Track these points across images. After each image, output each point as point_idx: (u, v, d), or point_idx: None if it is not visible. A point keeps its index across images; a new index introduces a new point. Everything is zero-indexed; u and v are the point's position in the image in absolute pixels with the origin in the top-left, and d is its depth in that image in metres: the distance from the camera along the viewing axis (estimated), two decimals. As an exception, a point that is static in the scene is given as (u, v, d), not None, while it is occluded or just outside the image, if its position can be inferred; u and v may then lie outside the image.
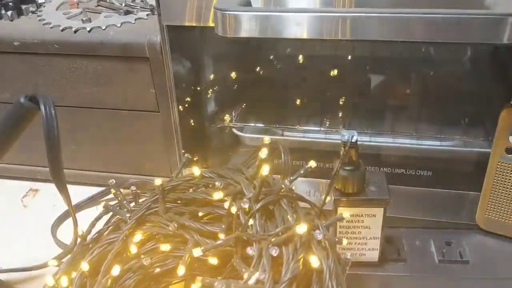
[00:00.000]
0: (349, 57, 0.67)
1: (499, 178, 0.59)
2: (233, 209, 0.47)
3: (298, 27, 0.51)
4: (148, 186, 0.77)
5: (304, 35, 0.51)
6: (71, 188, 0.75)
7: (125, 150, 0.76)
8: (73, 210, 0.52)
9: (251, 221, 0.46)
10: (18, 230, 0.74)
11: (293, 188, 0.51)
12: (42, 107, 0.46)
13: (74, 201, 0.74)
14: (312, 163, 0.51)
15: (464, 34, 0.48)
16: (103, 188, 0.78)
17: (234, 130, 0.72)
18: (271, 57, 0.71)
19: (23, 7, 0.72)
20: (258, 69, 0.71)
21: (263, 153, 0.47)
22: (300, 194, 0.49)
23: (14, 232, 0.74)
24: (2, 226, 0.76)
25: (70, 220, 0.56)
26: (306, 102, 0.71)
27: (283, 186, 0.46)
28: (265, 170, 0.45)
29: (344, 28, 0.50)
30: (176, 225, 0.51)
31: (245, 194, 0.48)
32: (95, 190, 0.79)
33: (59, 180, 0.50)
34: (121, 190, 0.78)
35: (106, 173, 0.79)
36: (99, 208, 0.76)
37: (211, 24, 0.56)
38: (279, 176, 0.55)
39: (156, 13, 0.60)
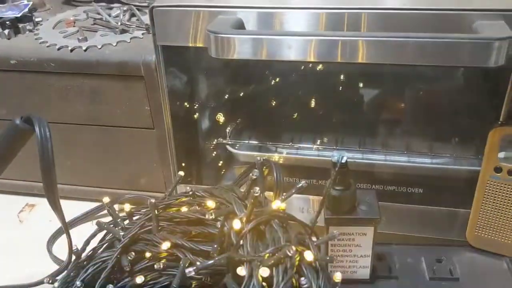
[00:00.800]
0: (341, 75, 0.68)
1: (488, 197, 0.60)
2: (225, 229, 0.48)
3: (289, 50, 0.52)
4: (142, 201, 0.78)
5: (296, 58, 0.52)
6: (66, 204, 0.76)
7: (120, 166, 0.77)
8: (67, 230, 0.53)
9: (242, 241, 0.47)
10: (14, 246, 0.75)
11: (285, 206, 0.52)
12: (37, 129, 0.47)
13: (69, 217, 0.75)
14: (303, 183, 0.51)
15: (452, 58, 0.49)
16: (98, 204, 0.79)
17: (228, 147, 0.73)
18: (265, 74, 0.72)
19: (20, 25, 0.73)
20: (251, 86, 0.72)
21: (255, 173, 0.48)
22: (291, 214, 0.49)
23: (9, 248, 0.75)
24: (-2, 242, 0.76)
25: (65, 236, 0.57)
26: (299, 119, 0.72)
27: (274, 207, 0.47)
28: (256, 191, 0.46)
29: (334, 51, 0.51)
30: (169, 244, 0.51)
31: (237, 214, 0.49)
32: (90, 205, 0.79)
33: (53, 199, 0.51)
34: (116, 206, 0.79)
35: (101, 189, 0.80)
36: (94, 223, 0.78)
37: (205, 44, 0.57)
38: (272, 193, 0.56)
39: (151, 32, 0.61)
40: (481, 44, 0.48)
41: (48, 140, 0.46)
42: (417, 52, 0.50)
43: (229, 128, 0.74)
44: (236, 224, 0.47)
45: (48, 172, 0.48)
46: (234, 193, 0.53)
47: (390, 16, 0.54)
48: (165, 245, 0.51)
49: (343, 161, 0.49)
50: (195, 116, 0.69)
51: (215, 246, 0.48)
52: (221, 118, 0.74)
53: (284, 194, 0.51)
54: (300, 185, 0.51)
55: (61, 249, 0.70)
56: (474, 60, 0.49)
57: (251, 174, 0.49)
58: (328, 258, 0.48)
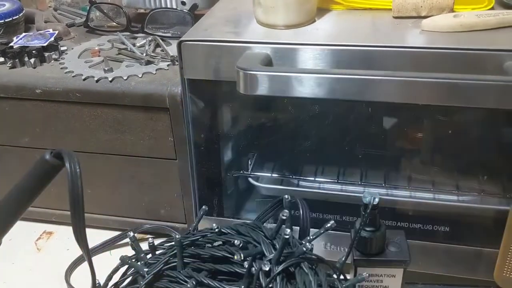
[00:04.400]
0: (367, 108, 0.68)
1: (518, 238, 0.58)
2: (253, 270, 0.47)
3: (318, 89, 0.52)
4: (163, 231, 0.78)
5: (324, 96, 0.52)
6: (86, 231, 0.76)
7: (141, 196, 0.76)
8: (92, 267, 0.52)
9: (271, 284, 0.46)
10: (31, 275, 0.74)
11: (313, 246, 0.51)
12: (67, 164, 0.47)
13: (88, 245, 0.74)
14: (332, 223, 0.51)
15: (482, 100, 0.49)
16: (117, 233, 0.78)
17: (250, 179, 0.73)
18: (288, 108, 0.72)
19: (46, 54, 0.74)
20: (275, 119, 0.72)
21: (284, 214, 0.48)
22: (321, 257, 0.49)
23: (27, 276, 0.74)
24: (15, 270, 0.76)
25: (84, 265, 0.56)
26: (322, 152, 0.71)
27: (304, 249, 0.46)
28: (287, 233, 0.45)
29: (363, 90, 0.51)
30: (194, 282, 0.50)
31: (266, 255, 0.48)
32: (110, 233, 0.79)
33: (80, 235, 0.50)
34: (137, 236, 0.78)
35: (121, 218, 0.80)
36: (113, 253, 0.78)
37: (231, 79, 0.57)
38: (297, 227, 0.55)
39: (176, 64, 0.61)
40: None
41: (78, 176, 0.46)
42: (447, 93, 0.50)
43: (251, 160, 0.74)
44: (265, 266, 0.46)
45: (78, 208, 0.48)
46: (261, 231, 0.52)
47: (418, 55, 0.54)
48: (191, 283, 0.50)
49: (375, 202, 0.48)
50: (218, 147, 0.69)
51: (242, 287, 0.48)
52: (243, 150, 0.73)
53: (312, 235, 0.50)
54: (329, 225, 0.50)
55: (79, 278, 0.69)
56: (505, 102, 0.49)
57: (281, 215, 0.48)
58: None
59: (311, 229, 0.57)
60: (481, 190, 0.66)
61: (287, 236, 0.45)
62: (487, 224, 0.65)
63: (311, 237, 0.50)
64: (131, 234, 0.58)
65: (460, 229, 0.66)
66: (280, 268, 0.46)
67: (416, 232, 0.66)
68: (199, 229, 0.61)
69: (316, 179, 0.71)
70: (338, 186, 0.70)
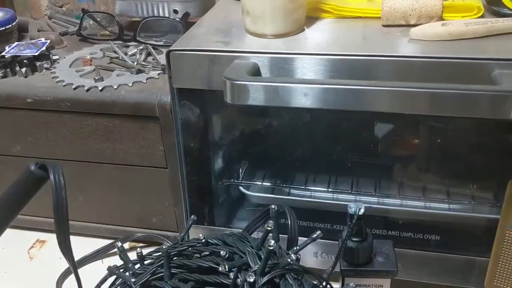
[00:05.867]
0: (357, 117, 0.68)
1: (508, 247, 0.58)
2: (238, 281, 0.47)
3: (305, 98, 0.52)
4: (154, 240, 0.78)
5: (311, 106, 0.52)
6: (77, 240, 0.75)
7: (132, 204, 0.76)
8: (78, 277, 0.52)
9: (256, 295, 0.46)
10: (23, 284, 0.74)
11: (299, 257, 0.51)
12: (52, 176, 0.47)
13: (80, 253, 0.74)
14: (319, 233, 0.50)
15: (470, 109, 0.48)
16: (109, 242, 0.78)
17: (241, 188, 0.73)
18: (279, 116, 0.72)
19: (38, 63, 0.74)
20: (265, 128, 0.72)
21: (270, 225, 0.47)
22: (306, 268, 0.48)
23: (19, 285, 0.74)
24: (8, 279, 0.76)
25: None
26: (313, 161, 0.71)
27: (289, 260, 0.46)
28: (271, 244, 0.45)
29: (349, 100, 0.51)
30: (181, 293, 0.50)
31: (251, 266, 0.48)
32: (101, 242, 0.79)
33: (65, 245, 0.50)
34: (127, 244, 0.78)
35: (113, 226, 0.80)
36: (105, 261, 0.77)
37: (220, 88, 0.57)
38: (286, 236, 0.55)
39: (166, 73, 0.62)
40: (501, 96, 0.47)
41: (63, 188, 0.46)
42: (435, 103, 0.49)
43: (242, 168, 0.74)
44: (250, 277, 0.46)
45: (62, 220, 0.47)
46: (248, 242, 0.52)
47: (406, 64, 0.54)
48: (177, 294, 0.50)
49: (360, 213, 0.48)
50: (209, 156, 0.69)
51: (228, 298, 0.47)
52: (234, 158, 0.73)
53: (298, 245, 0.50)
54: (315, 235, 0.50)
55: (71, 287, 0.69)
56: (494, 112, 0.48)
57: (266, 225, 0.48)
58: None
59: (300, 238, 0.57)
60: (472, 198, 0.66)
61: (271, 248, 0.45)
62: (478, 232, 0.65)
63: (297, 248, 0.50)
64: (119, 244, 0.58)
65: (451, 238, 0.65)
66: (265, 279, 0.46)
67: (407, 241, 0.66)
68: (189, 238, 0.61)
69: (307, 187, 0.71)
70: (329, 195, 0.70)
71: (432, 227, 0.66)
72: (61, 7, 1.09)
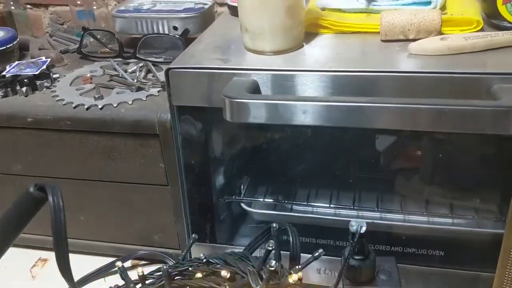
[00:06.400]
0: (358, 132, 0.67)
1: (513, 265, 0.57)
2: (240, 302, 0.47)
3: (305, 115, 0.51)
4: (155, 257, 0.77)
5: (311, 123, 0.52)
6: (79, 258, 0.75)
7: (133, 222, 0.76)
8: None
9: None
10: (25, 304, 0.74)
11: (301, 276, 0.50)
12: (50, 198, 0.46)
13: (81, 272, 0.74)
14: (321, 252, 0.50)
15: (471, 125, 0.48)
16: (111, 260, 0.77)
17: (243, 205, 0.72)
18: (280, 132, 0.71)
19: (38, 82, 0.74)
20: (266, 144, 0.72)
21: (270, 244, 0.47)
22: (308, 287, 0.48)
23: (20, 305, 0.74)
24: (9, 299, 0.75)
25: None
26: (315, 176, 0.71)
27: (291, 281, 0.46)
28: (272, 264, 0.45)
29: (349, 117, 0.50)
30: (181, 314, 0.50)
31: (252, 286, 0.47)
32: (103, 260, 0.78)
33: (64, 266, 0.50)
34: (129, 262, 0.78)
35: (114, 244, 0.79)
36: (107, 280, 0.77)
37: (219, 105, 0.56)
38: (288, 253, 0.55)
39: (166, 91, 0.61)
40: (501, 112, 0.47)
41: (61, 210, 0.46)
42: (436, 120, 0.49)
43: (243, 185, 0.73)
44: (251, 298, 0.45)
45: (61, 241, 0.47)
46: (249, 261, 0.51)
47: (406, 80, 0.53)
48: (178, 316, 0.50)
49: (362, 231, 0.48)
50: (209, 173, 0.69)
51: (229, 319, 0.47)
52: (235, 175, 0.73)
53: (301, 264, 0.50)
54: (317, 253, 0.50)
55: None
56: (494, 127, 0.48)
57: (267, 245, 0.48)
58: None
59: (303, 255, 0.56)
60: (476, 212, 0.65)
61: (272, 268, 0.44)
62: (483, 247, 0.64)
63: (299, 267, 0.49)
64: (120, 264, 0.58)
65: (455, 253, 0.64)
66: (266, 300, 0.45)
67: (410, 256, 0.65)
68: (191, 256, 0.61)
69: (309, 203, 0.70)
70: (331, 211, 0.70)
71: (435, 242, 0.65)
72: (62, 24, 1.10)
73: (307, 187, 0.72)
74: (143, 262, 0.79)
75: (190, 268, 0.54)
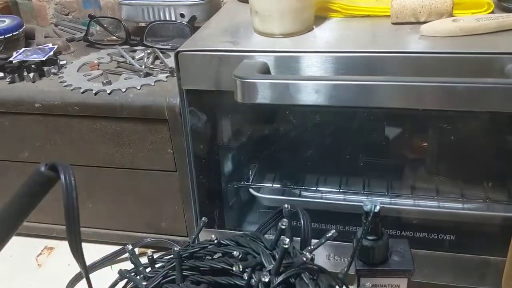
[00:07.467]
0: (368, 116, 0.67)
1: (525, 246, 0.57)
2: (253, 281, 0.46)
3: (316, 95, 0.51)
4: (164, 245, 0.77)
5: (323, 103, 0.51)
6: (86, 246, 0.74)
7: (141, 209, 0.75)
8: (89, 282, 0.51)
9: (271, 295, 0.45)
10: (32, 291, 0.74)
11: (314, 256, 0.50)
12: (62, 177, 0.46)
13: (89, 260, 0.74)
14: (333, 232, 0.49)
15: (484, 103, 0.48)
16: (118, 247, 0.77)
17: (251, 190, 0.72)
18: (289, 117, 0.71)
19: (45, 68, 0.73)
20: (275, 128, 0.72)
21: (283, 223, 0.47)
22: (322, 267, 0.47)
23: (28, 293, 0.73)
24: (16, 286, 0.75)
25: (85, 280, 0.55)
26: (324, 161, 0.70)
27: (305, 259, 0.45)
28: (286, 242, 0.44)
29: (362, 96, 0.50)
30: (193, 295, 0.49)
31: (265, 266, 0.47)
32: (111, 248, 0.78)
33: (76, 248, 0.49)
34: (137, 249, 0.77)
35: (123, 232, 0.79)
36: (114, 268, 0.76)
37: (229, 88, 0.56)
38: (298, 238, 0.54)
39: (175, 75, 0.61)
40: (516, 89, 0.47)
41: (73, 188, 0.45)
42: (447, 97, 0.49)
43: (252, 171, 0.73)
44: (265, 277, 0.45)
45: (73, 221, 0.46)
46: (261, 242, 0.51)
47: (418, 60, 0.53)
48: (189, 297, 0.49)
49: (376, 210, 0.47)
50: (218, 158, 0.68)
51: (242, 299, 0.46)
52: (244, 161, 0.72)
53: (312, 245, 0.49)
54: (330, 234, 0.49)
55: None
56: (507, 106, 0.48)
57: (280, 224, 0.47)
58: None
59: (313, 240, 0.56)
60: (487, 197, 0.65)
61: (286, 246, 0.44)
62: (493, 231, 0.63)
63: (312, 247, 0.49)
64: (130, 247, 0.57)
65: (466, 238, 0.64)
66: (280, 279, 0.45)
67: (421, 241, 0.65)
68: (199, 241, 0.60)
69: (318, 188, 0.70)
70: (341, 196, 0.69)
71: (446, 226, 0.64)
72: (67, 15, 1.10)
73: (315, 172, 0.71)
74: (150, 250, 0.79)
75: (201, 250, 0.53)
